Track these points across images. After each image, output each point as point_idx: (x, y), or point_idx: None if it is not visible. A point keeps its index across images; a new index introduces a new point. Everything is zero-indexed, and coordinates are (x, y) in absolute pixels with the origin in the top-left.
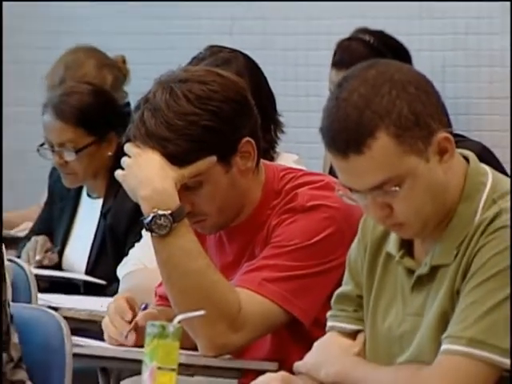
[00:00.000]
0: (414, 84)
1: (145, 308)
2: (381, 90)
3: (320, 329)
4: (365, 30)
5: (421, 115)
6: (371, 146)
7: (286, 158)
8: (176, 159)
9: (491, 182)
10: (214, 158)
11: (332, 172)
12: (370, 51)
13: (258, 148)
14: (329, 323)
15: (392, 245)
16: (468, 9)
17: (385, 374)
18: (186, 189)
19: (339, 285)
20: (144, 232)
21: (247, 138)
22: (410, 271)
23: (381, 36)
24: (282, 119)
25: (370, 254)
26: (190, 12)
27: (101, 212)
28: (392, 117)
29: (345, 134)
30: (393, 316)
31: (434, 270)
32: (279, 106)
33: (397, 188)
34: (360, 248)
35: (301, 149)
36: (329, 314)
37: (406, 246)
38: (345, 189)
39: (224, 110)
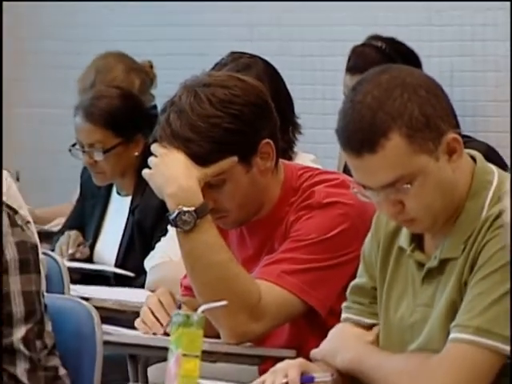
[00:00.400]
0: (425, 87)
1: (179, 307)
2: (393, 93)
3: (335, 318)
4: (377, 37)
5: (431, 117)
6: (384, 146)
7: (304, 158)
8: (199, 159)
9: (497, 180)
10: (235, 159)
11: (346, 171)
12: (382, 57)
13: (276, 149)
14: (343, 315)
15: (403, 239)
16: (474, 17)
17: (396, 361)
18: (208, 187)
19: (354, 277)
20: (170, 227)
21: (267, 140)
22: (421, 264)
23: (392, 42)
24: (299, 121)
25: (383, 248)
26: (213, 20)
27: (129, 209)
28: (404, 118)
29: (359, 134)
30: (404, 307)
31: (443, 263)
32: (297, 109)
33: (408, 185)
34: (373, 242)
35: (317, 149)
36: (344, 305)
37: (417, 241)
38: (359, 186)
39: (245, 113)
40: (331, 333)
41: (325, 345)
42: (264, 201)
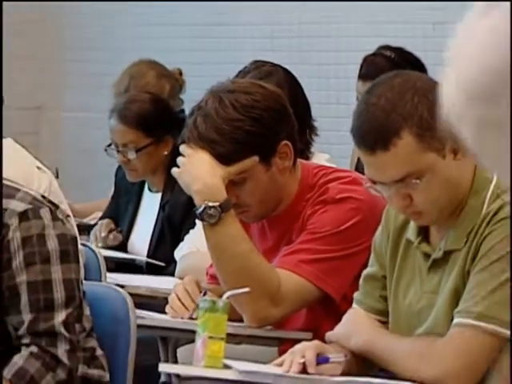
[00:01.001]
0: (433, 91)
1: (205, 293)
2: (405, 96)
3: (348, 304)
4: (387, 47)
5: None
6: (396, 144)
7: (320, 157)
8: (223, 159)
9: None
10: (256, 158)
11: (358, 169)
12: (392, 65)
13: (294, 149)
14: (355, 304)
15: (411, 232)
16: None
17: (405, 344)
18: (231, 184)
19: (365, 266)
20: (197, 220)
21: (285, 141)
22: (427, 255)
23: (400, 52)
24: (316, 124)
25: (393, 240)
26: (237, 32)
27: (160, 204)
28: (415, 119)
29: (374, 133)
30: (412, 294)
31: (448, 254)
32: (313, 113)
33: (417, 181)
34: (383, 235)
35: (332, 149)
36: (356, 294)
37: (423, 234)
38: (371, 182)
39: (265, 117)
40: (345, 317)
41: (339, 328)
42: (283, 197)
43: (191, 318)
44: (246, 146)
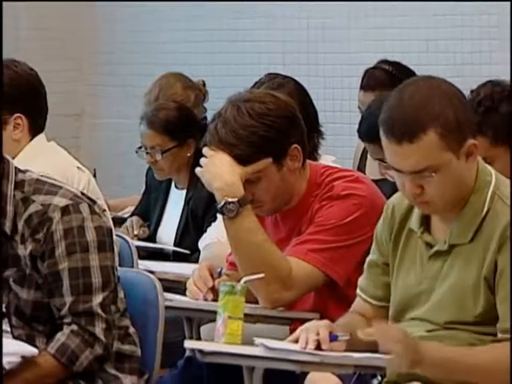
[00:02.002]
0: (458, 98)
1: (219, 272)
2: (434, 98)
3: (352, 288)
4: (385, 61)
5: (461, 122)
6: (421, 139)
7: (326, 159)
8: (240, 160)
9: (494, 181)
10: (269, 160)
11: (360, 169)
12: (390, 77)
13: (303, 152)
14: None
15: (414, 223)
16: (463, 45)
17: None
18: (248, 183)
19: (366, 254)
20: (218, 214)
21: (295, 145)
22: (428, 244)
23: (398, 66)
24: (322, 129)
25: (396, 229)
26: (253, 48)
27: (185, 199)
28: (441, 120)
29: (403, 125)
30: (412, 277)
31: (451, 247)
32: (320, 120)
33: (432, 174)
34: (385, 225)
35: (337, 152)
36: (360, 280)
37: (425, 225)
38: (390, 168)
39: (277, 123)
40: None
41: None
42: (293, 193)
43: (206, 299)
44: (260, 148)
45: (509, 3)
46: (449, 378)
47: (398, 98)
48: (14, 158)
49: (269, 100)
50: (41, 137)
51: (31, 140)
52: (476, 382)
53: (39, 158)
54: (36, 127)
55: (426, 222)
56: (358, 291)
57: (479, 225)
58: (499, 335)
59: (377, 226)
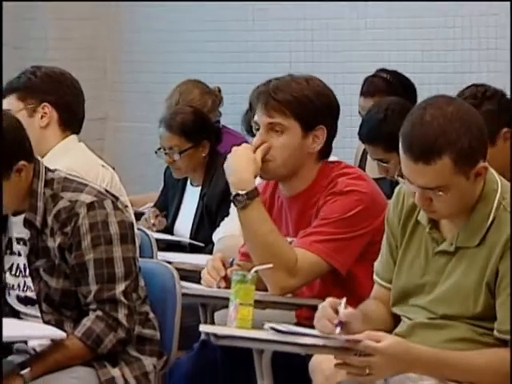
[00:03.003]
0: (476, 126)
1: (231, 262)
2: (453, 125)
3: (354, 278)
4: (383, 70)
5: (475, 151)
6: (436, 162)
7: (330, 158)
8: (296, 114)
9: (500, 189)
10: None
11: (360, 167)
12: (387, 85)
13: (327, 138)
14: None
15: (422, 217)
16: (454, 55)
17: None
18: (271, 131)
19: (366, 246)
20: (231, 210)
21: (322, 126)
22: (434, 239)
23: (395, 74)
24: None
25: (404, 218)
26: (262, 57)
27: (200, 196)
28: (457, 147)
29: (421, 147)
30: (417, 268)
31: (457, 249)
32: None
33: (441, 193)
34: (395, 211)
35: (339, 152)
36: (376, 264)
37: (433, 221)
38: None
39: (318, 99)
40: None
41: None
42: (300, 172)
43: (219, 287)
44: (311, 114)
45: (508, 3)
46: (440, 377)
47: (420, 118)
48: (44, 155)
49: (316, 83)
50: (73, 137)
51: (64, 138)
52: (464, 379)
53: (68, 155)
54: (67, 124)
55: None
56: (374, 277)
57: (485, 232)
58: (495, 333)
59: (388, 210)
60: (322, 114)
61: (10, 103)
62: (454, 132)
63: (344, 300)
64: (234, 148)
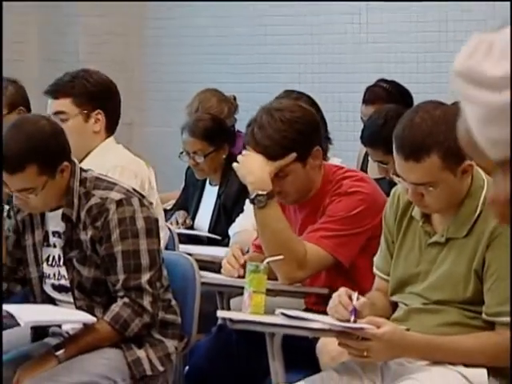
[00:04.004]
0: None
1: (247, 251)
2: (440, 126)
3: (356, 269)
4: (383, 80)
5: (461, 150)
6: (425, 160)
7: (334, 160)
8: (272, 157)
9: (486, 185)
10: (294, 155)
11: (362, 169)
12: (387, 93)
13: (323, 153)
14: (375, 269)
15: (416, 213)
16: (447, 67)
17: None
18: (278, 177)
19: (367, 242)
20: (245, 206)
21: (317, 147)
22: (427, 232)
23: (394, 84)
24: (331, 136)
25: (400, 214)
26: (273, 69)
27: (217, 194)
28: (444, 146)
29: (411, 147)
30: (412, 259)
31: (447, 240)
32: (329, 128)
33: (431, 188)
34: (392, 209)
35: (342, 155)
36: (376, 258)
37: (426, 216)
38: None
39: (303, 128)
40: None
41: None
42: (312, 188)
43: (239, 276)
44: (289, 149)
45: (508, 3)
46: (433, 360)
47: (410, 120)
48: (91, 151)
49: (296, 109)
50: (112, 139)
51: (105, 139)
52: (455, 361)
53: (113, 154)
54: (110, 128)
55: (426, 213)
56: (374, 270)
57: (472, 224)
58: (483, 316)
59: (385, 210)
60: (310, 139)
61: (65, 106)
62: (441, 133)
63: (356, 292)
64: (244, 152)
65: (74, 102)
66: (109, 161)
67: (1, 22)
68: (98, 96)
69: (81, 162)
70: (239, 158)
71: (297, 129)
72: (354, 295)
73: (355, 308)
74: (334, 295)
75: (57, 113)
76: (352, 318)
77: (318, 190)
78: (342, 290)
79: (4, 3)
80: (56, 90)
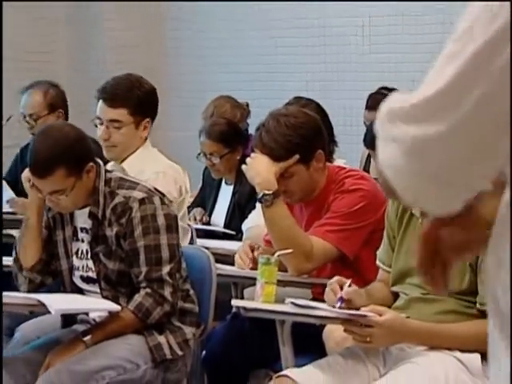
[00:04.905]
0: None
1: (259, 247)
2: None
3: (359, 261)
4: (384, 88)
5: None
6: None
7: (339, 162)
8: (277, 159)
9: None
10: (297, 157)
11: (364, 169)
12: None
13: (325, 155)
14: (378, 261)
15: (416, 210)
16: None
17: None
18: (284, 178)
19: (369, 235)
20: (257, 204)
21: (320, 150)
22: None
23: (394, 91)
24: (336, 139)
25: (400, 212)
26: (283, 77)
27: (232, 193)
28: None
29: None
30: (412, 253)
31: None
32: (335, 132)
33: None
34: (393, 207)
35: (346, 156)
36: (379, 252)
37: (425, 213)
38: None
39: (307, 133)
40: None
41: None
42: (316, 187)
43: (252, 268)
44: (293, 152)
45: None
46: (430, 346)
47: None
48: (133, 152)
49: (301, 115)
50: (148, 142)
51: (145, 141)
52: (452, 347)
53: (154, 159)
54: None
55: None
56: (377, 263)
57: None
58: (477, 305)
59: (387, 208)
60: (313, 143)
61: (121, 116)
62: None
63: (350, 280)
64: (252, 155)
65: (130, 112)
66: (149, 166)
67: (1, 22)
68: (149, 106)
69: (122, 162)
70: (247, 160)
71: (300, 133)
72: (346, 284)
73: (342, 296)
74: (328, 283)
75: (112, 121)
76: (338, 305)
77: (322, 189)
78: (335, 279)
79: (4, 3)
80: (114, 100)
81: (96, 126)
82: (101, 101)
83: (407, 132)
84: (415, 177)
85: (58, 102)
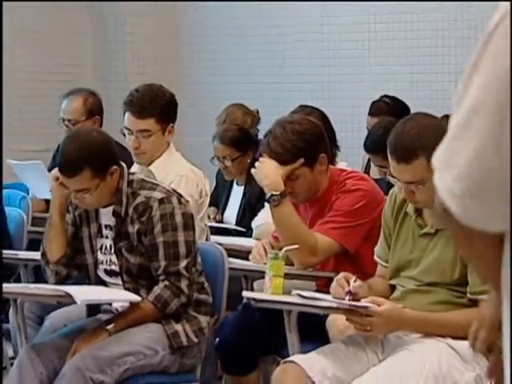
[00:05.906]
0: (445, 134)
1: (271, 246)
2: (428, 132)
3: (360, 256)
4: (385, 96)
5: None
6: (414, 162)
7: (341, 164)
8: (283, 162)
9: None
10: (301, 161)
11: (365, 172)
12: (389, 107)
13: (328, 159)
14: (376, 257)
15: (410, 209)
16: (437, 86)
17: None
18: (290, 180)
19: (368, 232)
20: (266, 203)
21: (323, 154)
22: (419, 225)
23: (394, 99)
24: (339, 144)
25: (396, 211)
26: (290, 87)
27: (243, 193)
28: (429, 150)
29: (402, 150)
30: (406, 248)
31: (436, 230)
32: (337, 137)
33: (420, 186)
34: (389, 207)
35: (348, 160)
36: (377, 248)
37: (418, 211)
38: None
39: (311, 139)
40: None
41: None
42: (319, 188)
43: (265, 264)
44: (298, 156)
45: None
46: (425, 333)
47: (401, 129)
48: (159, 156)
49: (305, 122)
50: (172, 146)
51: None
52: (444, 334)
53: (178, 163)
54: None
55: (418, 208)
56: (375, 258)
57: None
58: (468, 295)
59: (384, 207)
60: (317, 148)
61: (150, 125)
62: (427, 138)
63: (355, 276)
64: (261, 159)
65: (156, 121)
66: (173, 169)
67: (1, 22)
68: (172, 112)
69: (149, 165)
70: (256, 164)
71: (305, 139)
72: (352, 279)
73: (350, 290)
74: (335, 278)
75: (141, 131)
76: (347, 298)
77: (325, 190)
78: (342, 274)
79: (4, 3)
80: (141, 112)
81: (124, 135)
82: (128, 113)
83: None
84: None
85: (95, 109)
